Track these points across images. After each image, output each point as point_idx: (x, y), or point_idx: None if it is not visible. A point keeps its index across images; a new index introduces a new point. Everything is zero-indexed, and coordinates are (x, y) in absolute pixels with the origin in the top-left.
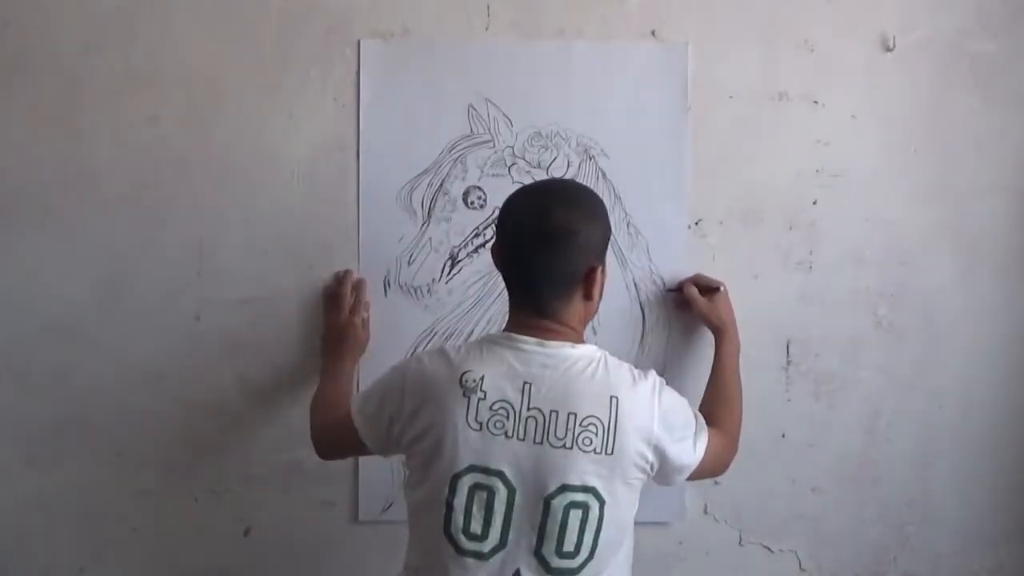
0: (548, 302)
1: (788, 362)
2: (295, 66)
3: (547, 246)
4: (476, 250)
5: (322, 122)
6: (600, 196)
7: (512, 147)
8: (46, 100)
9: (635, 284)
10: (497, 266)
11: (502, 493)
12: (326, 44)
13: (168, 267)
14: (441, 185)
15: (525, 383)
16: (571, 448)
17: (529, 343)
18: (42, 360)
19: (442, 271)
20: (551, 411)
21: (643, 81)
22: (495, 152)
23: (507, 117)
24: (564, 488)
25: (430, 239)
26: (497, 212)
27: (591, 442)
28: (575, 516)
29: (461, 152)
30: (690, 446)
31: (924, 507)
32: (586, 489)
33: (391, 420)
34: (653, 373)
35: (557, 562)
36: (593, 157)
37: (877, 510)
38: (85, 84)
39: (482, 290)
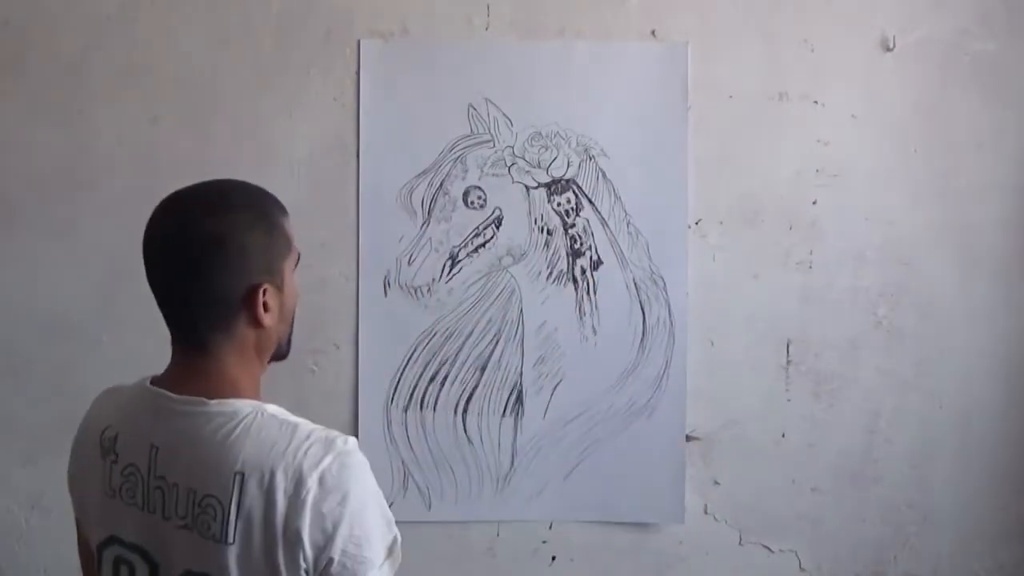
0: (197, 333)
1: (788, 362)
2: (295, 66)
3: (184, 263)
4: (476, 250)
5: (322, 122)
6: (270, 197)
7: (512, 147)
8: (46, 100)
9: (635, 284)
10: None
11: (143, 570)
12: (326, 44)
13: None
14: (441, 185)
15: (152, 446)
16: (192, 530)
17: (162, 396)
18: (42, 360)
19: (442, 271)
20: (174, 483)
21: (643, 81)
22: (495, 152)
23: (507, 117)
24: (188, 574)
25: (430, 239)
26: (497, 212)
27: (209, 528)
28: None
29: (461, 152)
30: (370, 561)
31: (924, 507)
32: None
33: (70, 480)
34: (341, 450)
35: None
36: (593, 157)
37: (877, 510)
38: (85, 84)
39: (482, 290)
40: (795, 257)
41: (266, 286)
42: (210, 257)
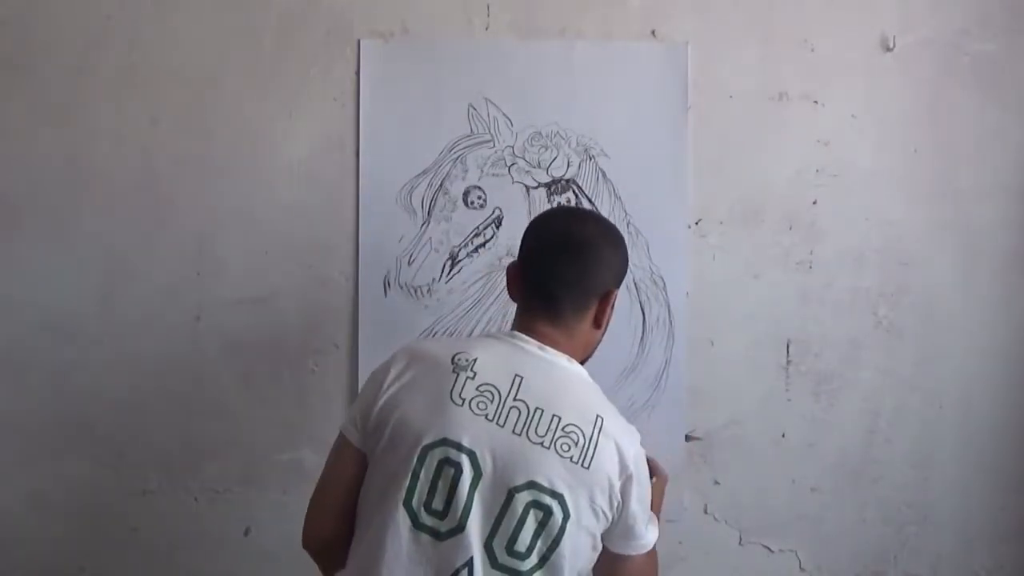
0: (562, 311)
1: (788, 362)
2: (295, 66)
3: (572, 254)
4: (476, 250)
5: (322, 122)
6: (620, 231)
7: (512, 147)
8: (46, 100)
9: (635, 284)
10: (511, 286)
11: (468, 473)
12: (326, 44)
13: (168, 267)
14: (441, 185)
15: (517, 375)
16: (548, 448)
17: (530, 344)
18: (42, 360)
19: (442, 271)
20: (536, 407)
21: (643, 81)
22: (495, 152)
23: (507, 117)
24: (532, 485)
25: (430, 239)
26: (497, 211)
27: (569, 448)
28: (534, 517)
29: (461, 152)
30: (646, 523)
31: (924, 507)
32: (554, 494)
33: (376, 391)
34: (639, 439)
35: (505, 558)
36: (593, 157)
37: (877, 510)
38: (85, 84)
39: (482, 290)
40: (795, 257)
41: (615, 291)
42: (591, 257)
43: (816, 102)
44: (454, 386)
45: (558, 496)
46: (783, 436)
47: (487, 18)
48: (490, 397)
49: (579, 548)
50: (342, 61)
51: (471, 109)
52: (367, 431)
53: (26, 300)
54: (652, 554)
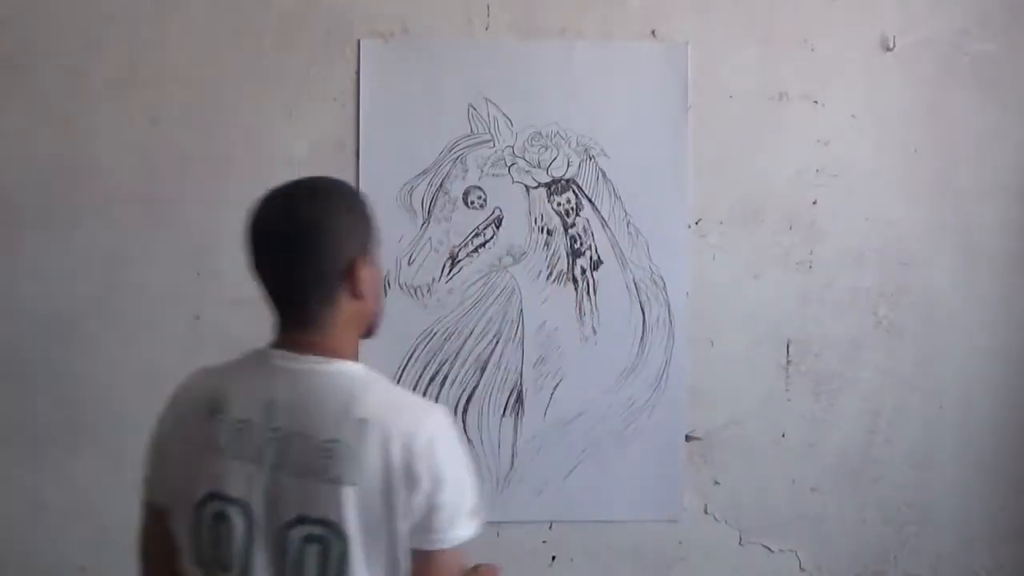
0: (305, 306)
1: (788, 362)
2: (295, 66)
3: (291, 243)
4: (476, 250)
5: (322, 122)
6: (358, 192)
7: (512, 147)
8: (46, 100)
9: (635, 284)
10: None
11: (240, 524)
12: (326, 44)
13: (168, 267)
14: (441, 185)
15: (268, 401)
16: (308, 475)
17: (278, 357)
18: (42, 360)
19: (442, 271)
20: (292, 433)
21: (643, 81)
22: (495, 152)
23: (507, 117)
24: (301, 520)
25: (430, 239)
26: (497, 211)
27: (328, 469)
28: (314, 552)
29: (461, 152)
30: (460, 517)
31: (924, 507)
32: (325, 523)
33: (153, 447)
34: (443, 413)
35: None
36: (593, 157)
37: (877, 510)
38: (85, 84)
39: (482, 290)
40: (795, 257)
41: (362, 259)
42: (312, 237)
43: (816, 102)
44: (211, 432)
45: (330, 524)
46: (783, 436)
47: (487, 18)
48: (246, 435)
49: (377, 567)
50: (342, 61)
51: (471, 109)
52: (157, 489)
53: (26, 300)
54: (454, 555)
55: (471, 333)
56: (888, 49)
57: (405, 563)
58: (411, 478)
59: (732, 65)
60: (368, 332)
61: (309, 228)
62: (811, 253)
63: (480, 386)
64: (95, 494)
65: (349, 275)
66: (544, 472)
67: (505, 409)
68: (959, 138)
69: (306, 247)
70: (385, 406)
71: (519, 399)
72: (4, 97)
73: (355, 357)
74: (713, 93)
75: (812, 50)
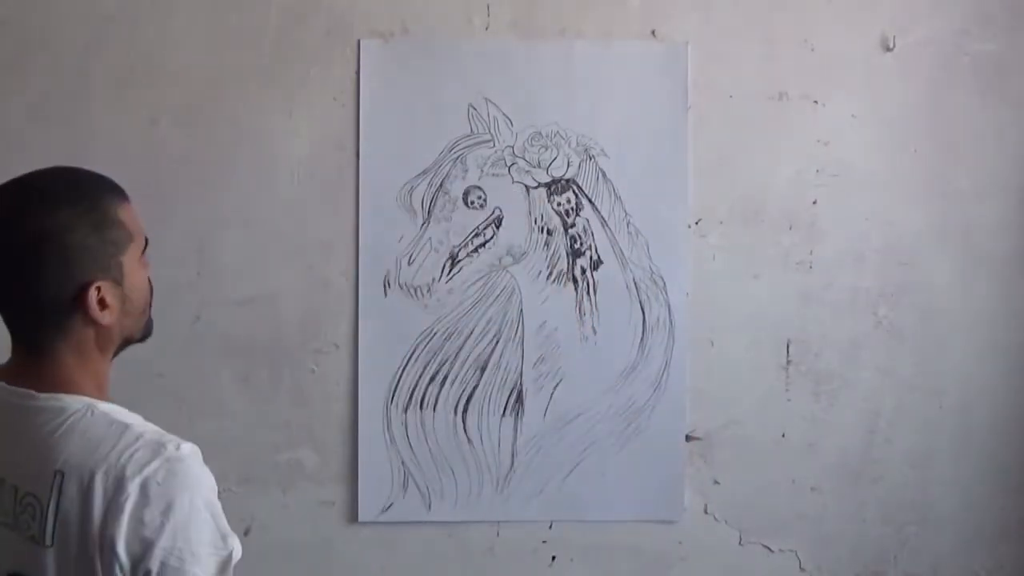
0: (31, 335)
1: (788, 362)
2: (295, 66)
3: (5, 266)
4: (476, 250)
5: (322, 122)
6: (104, 185)
7: (512, 147)
8: (46, 100)
9: (635, 284)
10: None
11: None
12: (326, 44)
13: (168, 267)
14: (441, 185)
15: None
16: (14, 529)
17: (2, 390)
18: None
19: (442, 271)
20: (1, 478)
21: (643, 81)
22: (495, 152)
23: (507, 117)
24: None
25: (430, 239)
26: (497, 211)
27: (29, 527)
28: None
29: (461, 152)
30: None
31: (924, 507)
32: None
33: None
34: (174, 453)
35: None
36: (593, 157)
37: (877, 510)
38: (85, 84)
39: (482, 290)
40: (795, 257)
41: (99, 284)
42: (31, 260)
43: (816, 102)
44: None
45: None
46: (783, 436)
47: (487, 18)
48: None
49: None
50: (342, 61)
51: (471, 109)
52: None
53: None
54: None
55: (471, 333)
56: (888, 49)
57: None
58: (111, 543)
59: (732, 65)
60: (129, 343)
61: (29, 249)
62: (811, 253)
63: (480, 386)
64: None
65: (80, 302)
66: (544, 472)
67: (505, 409)
68: (959, 138)
69: (24, 272)
70: (89, 452)
71: (519, 399)
72: (4, 97)
73: (95, 383)
74: (713, 93)
75: (812, 50)
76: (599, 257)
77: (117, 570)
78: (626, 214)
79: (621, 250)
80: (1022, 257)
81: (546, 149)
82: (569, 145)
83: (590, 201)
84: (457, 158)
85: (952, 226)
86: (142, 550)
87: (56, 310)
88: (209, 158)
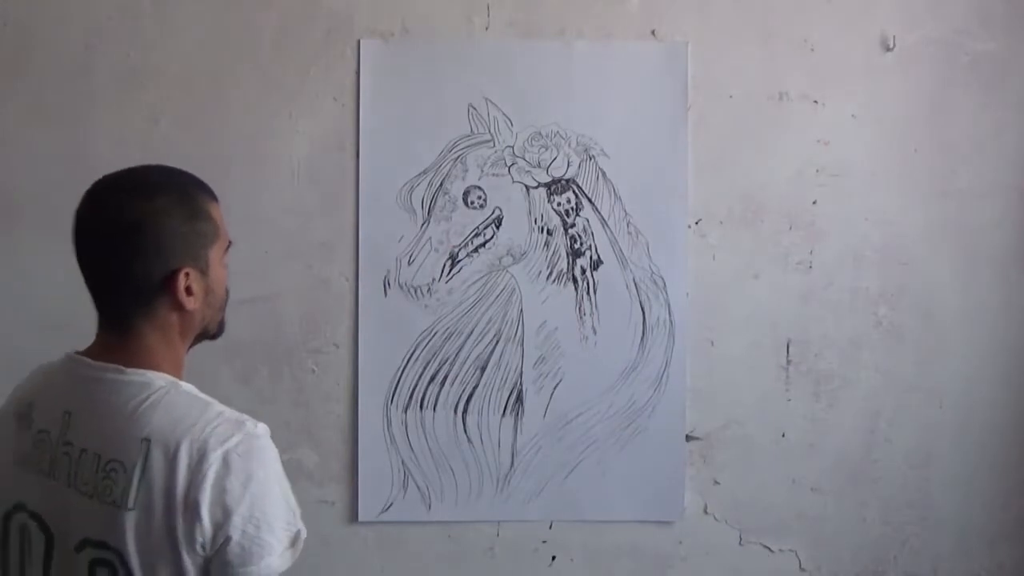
0: (119, 313)
1: (788, 362)
2: (295, 66)
3: (104, 248)
4: (476, 250)
5: (322, 122)
6: (197, 183)
7: (512, 147)
8: (46, 100)
9: (635, 284)
10: None
11: (38, 538)
12: (326, 44)
13: None
14: (441, 185)
15: (66, 412)
16: (93, 497)
17: (83, 364)
18: (42, 360)
19: (442, 271)
20: (82, 449)
21: (643, 81)
22: (495, 152)
23: (507, 117)
24: (86, 543)
25: (430, 239)
26: (497, 211)
27: (111, 492)
28: None
29: (461, 152)
30: (262, 549)
31: (924, 507)
32: (107, 547)
33: None
34: (250, 431)
35: None
36: (593, 157)
37: (877, 510)
38: (85, 84)
39: (482, 290)
40: (795, 257)
41: (188, 270)
42: (129, 241)
43: (816, 102)
44: (19, 441)
45: (113, 550)
46: (783, 436)
47: (487, 18)
48: (45, 447)
49: None
50: (342, 61)
51: (471, 109)
52: None
53: (26, 300)
54: None
55: (471, 333)
56: (888, 49)
57: None
58: (194, 506)
59: (732, 65)
60: (204, 337)
61: (126, 230)
62: (811, 253)
63: (480, 386)
64: None
65: (169, 285)
66: (544, 472)
67: (505, 409)
68: (959, 138)
69: (121, 252)
70: (174, 424)
71: (519, 399)
72: (4, 97)
73: (174, 366)
74: (713, 93)
75: (812, 50)
76: (599, 257)
77: (198, 532)
78: (626, 214)
79: (621, 250)
80: (1022, 257)
81: (546, 149)
82: (569, 145)
83: (590, 201)
84: (457, 158)
85: (952, 226)
86: (223, 516)
87: (147, 291)
88: (209, 158)
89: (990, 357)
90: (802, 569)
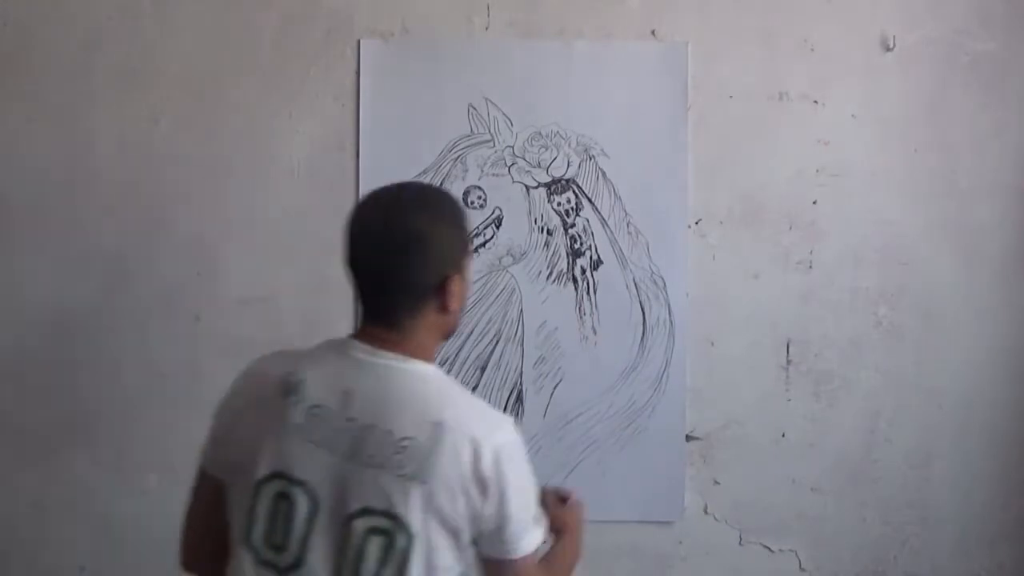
0: (394, 312)
1: (788, 362)
2: (295, 66)
3: (394, 252)
4: (476, 250)
5: (322, 122)
6: (456, 199)
7: (512, 147)
8: (46, 100)
9: (635, 284)
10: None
11: (303, 506)
12: (326, 44)
13: (168, 267)
14: (441, 184)
15: (346, 390)
16: (381, 468)
17: (361, 350)
18: (42, 360)
19: None
20: (367, 424)
21: (643, 81)
22: (495, 152)
23: (507, 117)
24: (366, 511)
25: None
26: (497, 211)
27: (404, 464)
28: (377, 544)
29: (461, 152)
30: (528, 525)
31: (924, 507)
32: (390, 515)
33: (219, 420)
34: (512, 424)
35: None
36: (593, 157)
37: (877, 510)
38: (85, 84)
39: (482, 290)
40: (795, 257)
41: (455, 277)
42: (413, 249)
43: (816, 102)
44: (284, 412)
45: (395, 518)
46: (783, 436)
47: (487, 18)
48: (320, 420)
49: (436, 567)
50: (342, 61)
51: (471, 109)
52: (218, 461)
53: (26, 300)
54: (526, 562)
55: (471, 333)
56: (888, 49)
57: (464, 568)
58: (480, 486)
59: (732, 65)
60: (447, 337)
61: (412, 240)
62: (811, 253)
63: (480, 386)
64: (95, 494)
65: (441, 291)
66: (544, 472)
67: (505, 409)
68: (959, 138)
69: (404, 258)
70: (461, 412)
71: (519, 399)
72: (4, 97)
73: (432, 360)
74: (713, 93)
75: (812, 50)
76: (599, 257)
77: (480, 505)
78: (626, 214)
79: (621, 250)
80: (1022, 257)
81: (546, 149)
82: (569, 145)
83: (590, 201)
84: (457, 158)
85: (952, 226)
86: (500, 496)
87: (422, 294)
88: (209, 158)
89: (990, 357)
90: (802, 569)
